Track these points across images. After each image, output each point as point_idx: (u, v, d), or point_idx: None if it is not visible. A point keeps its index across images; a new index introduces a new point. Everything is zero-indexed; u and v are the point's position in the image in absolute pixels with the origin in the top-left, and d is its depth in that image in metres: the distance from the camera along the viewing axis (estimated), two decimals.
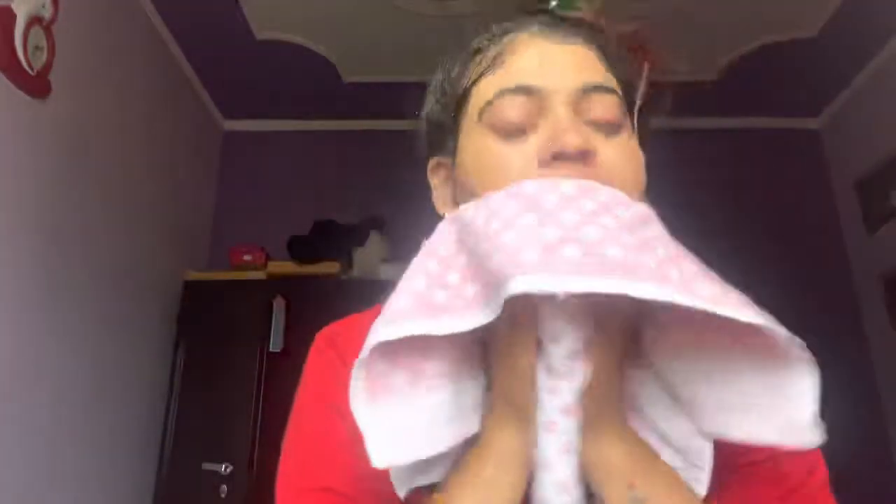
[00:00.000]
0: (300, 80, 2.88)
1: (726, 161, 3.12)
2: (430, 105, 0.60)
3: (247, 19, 2.50)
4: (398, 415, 0.43)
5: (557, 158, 0.46)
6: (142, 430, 2.30)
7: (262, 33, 2.59)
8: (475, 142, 0.51)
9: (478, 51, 0.55)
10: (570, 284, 0.36)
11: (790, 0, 2.42)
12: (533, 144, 0.48)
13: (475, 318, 0.40)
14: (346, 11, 2.48)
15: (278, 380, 2.33)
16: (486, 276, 0.40)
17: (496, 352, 0.46)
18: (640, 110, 0.55)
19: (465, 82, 0.54)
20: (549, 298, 0.37)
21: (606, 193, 0.42)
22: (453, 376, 0.45)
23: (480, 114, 0.51)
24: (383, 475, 0.47)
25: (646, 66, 0.56)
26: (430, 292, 0.43)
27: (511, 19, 0.56)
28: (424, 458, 0.44)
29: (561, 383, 0.42)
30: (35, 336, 1.73)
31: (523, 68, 0.51)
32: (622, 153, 0.49)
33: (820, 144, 3.16)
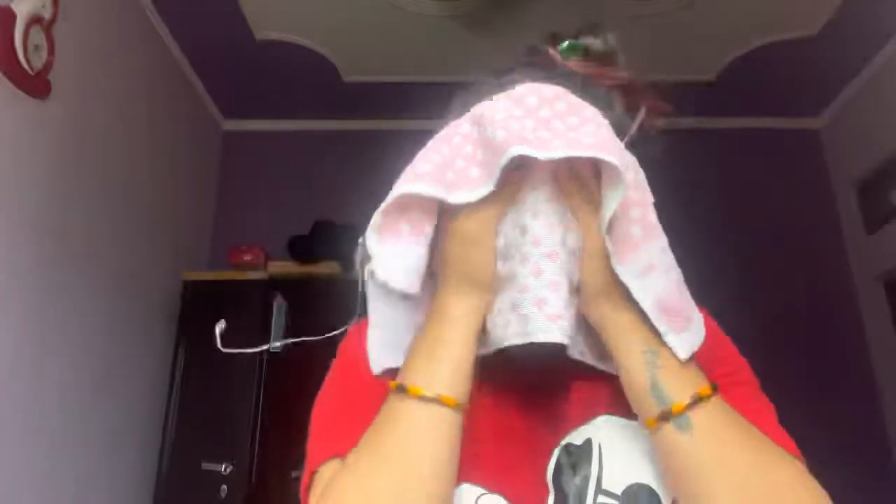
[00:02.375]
0: (300, 80, 2.88)
1: (726, 161, 3.12)
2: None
3: (247, 19, 2.50)
4: (398, 249, 0.55)
5: None
6: (142, 429, 2.31)
7: (262, 33, 2.59)
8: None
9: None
10: (556, 151, 0.48)
11: (790, 0, 2.42)
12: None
13: (477, 191, 0.52)
14: (346, 11, 2.48)
15: (278, 380, 2.33)
16: (488, 155, 0.52)
17: (461, 228, 0.55)
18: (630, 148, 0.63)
19: None
20: (531, 182, 0.52)
21: (574, 98, 0.55)
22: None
23: None
24: None
25: (635, 115, 0.65)
26: (442, 170, 0.54)
27: (508, 73, 0.65)
28: (409, 290, 0.55)
29: (544, 239, 0.52)
30: (36, 336, 1.73)
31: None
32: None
33: (820, 144, 3.16)
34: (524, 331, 0.51)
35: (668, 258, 0.55)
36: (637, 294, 0.52)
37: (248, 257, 2.59)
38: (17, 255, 1.65)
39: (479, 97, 0.65)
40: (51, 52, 1.75)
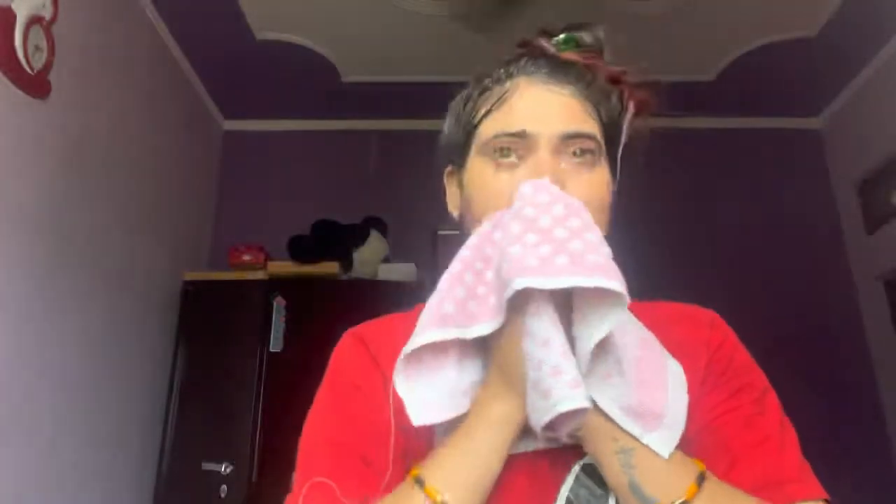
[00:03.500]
0: (300, 80, 2.88)
1: (726, 161, 3.12)
2: (448, 125, 0.73)
3: (247, 19, 2.50)
4: (426, 385, 0.57)
5: None
6: (142, 430, 2.31)
7: (262, 33, 2.59)
8: (478, 168, 0.66)
9: (486, 89, 0.68)
10: (560, 279, 0.50)
11: (790, 0, 2.42)
12: (520, 175, 0.62)
13: (493, 323, 0.55)
14: (346, 11, 2.48)
15: (278, 380, 2.33)
16: (499, 283, 0.54)
17: (496, 343, 0.58)
18: (623, 142, 0.68)
19: (476, 116, 0.68)
20: (532, 304, 0.53)
21: (586, 214, 0.56)
22: (461, 358, 0.60)
23: (484, 146, 0.66)
24: (384, 438, 0.60)
25: (629, 107, 0.68)
26: (464, 304, 0.57)
27: (518, 59, 0.68)
28: (450, 419, 0.57)
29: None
30: (35, 336, 1.73)
31: (519, 114, 0.64)
32: (588, 184, 0.62)
33: (820, 144, 3.16)
34: (549, 405, 0.51)
35: (616, 356, 0.56)
36: (601, 404, 0.55)
37: (248, 257, 2.59)
38: (17, 254, 1.65)
39: (473, 94, 0.70)
40: (51, 52, 1.75)
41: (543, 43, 0.69)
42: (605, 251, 0.53)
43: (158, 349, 2.42)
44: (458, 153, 0.70)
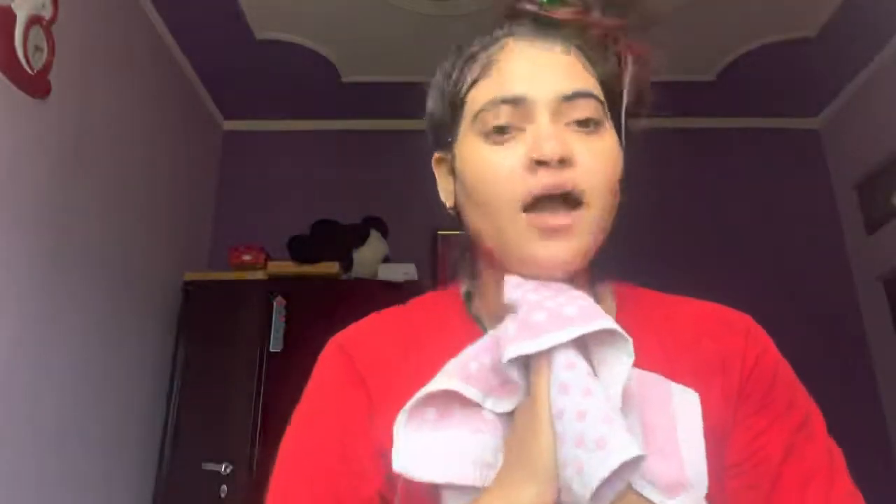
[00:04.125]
0: (300, 80, 2.88)
1: (726, 161, 3.12)
2: (432, 103, 0.66)
3: (247, 19, 2.50)
4: (425, 439, 0.53)
5: (540, 165, 0.55)
6: (142, 430, 2.31)
7: (262, 33, 2.59)
8: (469, 147, 0.59)
9: (472, 56, 0.62)
10: (543, 342, 0.50)
11: (790, 0, 2.42)
12: (519, 150, 0.56)
13: (514, 400, 0.54)
14: (345, 11, 2.48)
15: (278, 380, 2.33)
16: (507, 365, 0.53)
17: (516, 420, 0.54)
18: (624, 103, 0.61)
19: (462, 88, 0.61)
20: (562, 358, 0.51)
21: (574, 292, 0.55)
22: (472, 428, 0.55)
23: (474, 119, 0.59)
24: (365, 457, 0.57)
25: (628, 62, 0.61)
26: (488, 374, 0.55)
27: (502, 24, 0.63)
28: (439, 481, 0.53)
29: (570, 381, 0.51)
30: (35, 336, 1.73)
31: (510, 77, 0.58)
32: (597, 153, 0.57)
33: (820, 144, 3.16)
34: (604, 455, 0.46)
35: (630, 418, 0.53)
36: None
37: (248, 257, 2.59)
38: (17, 254, 1.65)
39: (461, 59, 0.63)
40: (51, 52, 1.74)
41: (527, 4, 0.62)
42: (601, 312, 0.52)
43: (158, 349, 2.42)
44: (447, 134, 0.63)
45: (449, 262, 3.00)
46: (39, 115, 1.74)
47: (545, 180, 0.54)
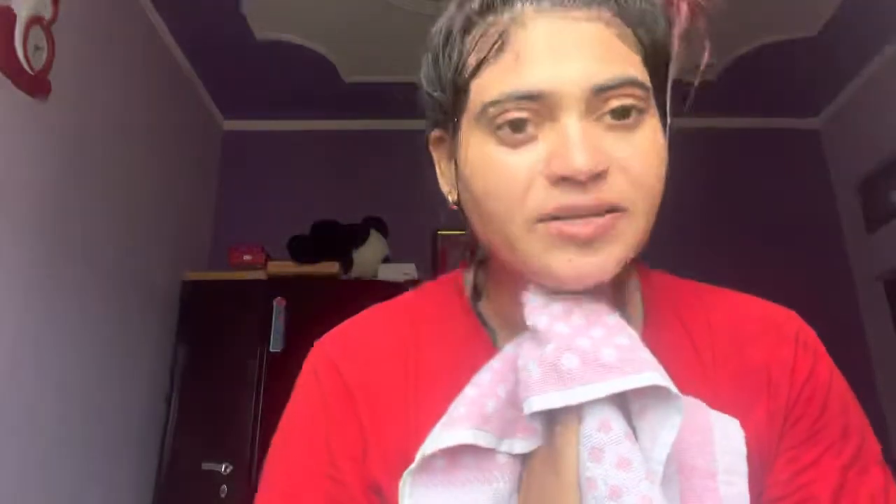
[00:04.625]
0: (300, 80, 2.88)
1: (726, 161, 3.12)
2: (426, 73, 0.53)
3: (247, 19, 2.50)
4: (434, 497, 0.47)
5: (566, 181, 0.43)
6: (142, 430, 2.31)
7: (262, 33, 2.59)
8: (477, 144, 0.47)
9: (472, 23, 0.48)
10: (575, 396, 0.43)
11: (790, 0, 2.42)
12: (539, 152, 0.45)
13: (533, 441, 0.47)
14: (345, 11, 2.48)
15: (278, 380, 2.33)
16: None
17: (532, 461, 0.48)
18: (670, 78, 0.50)
19: (466, 68, 0.48)
20: (594, 418, 0.44)
21: (610, 318, 0.47)
22: (486, 477, 0.48)
23: (481, 112, 0.46)
24: (354, 479, 0.51)
25: (682, 15, 0.48)
26: (504, 412, 0.48)
27: None
28: None
29: (605, 445, 0.44)
30: (36, 336, 1.73)
31: (529, 64, 0.44)
32: (640, 153, 0.45)
33: (820, 144, 3.16)
34: None
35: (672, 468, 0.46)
36: None
37: (248, 257, 2.59)
38: (17, 255, 1.65)
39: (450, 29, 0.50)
40: (51, 52, 1.74)
41: None
42: (645, 354, 0.44)
43: (158, 349, 2.42)
44: (446, 115, 0.51)
45: (449, 262, 2.99)
46: (39, 115, 1.74)
47: (573, 200, 0.43)
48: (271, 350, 2.39)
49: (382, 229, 2.74)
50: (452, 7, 0.51)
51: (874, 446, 0.51)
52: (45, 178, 1.76)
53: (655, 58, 0.48)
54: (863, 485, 0.48)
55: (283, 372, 2.34)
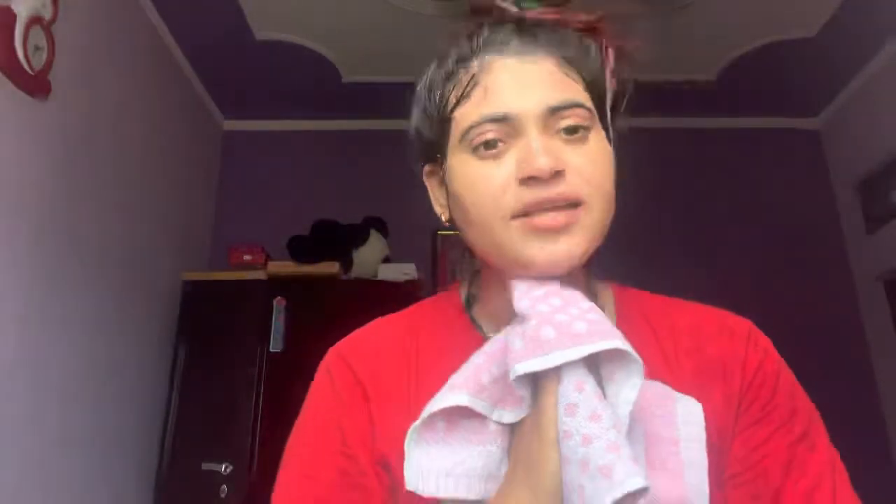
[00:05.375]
0: (300, 80, 2.88)
1: (726, 161, 3.12)
2: (417, 120, 0.66)
3: (247, 19, 2.50)
4: (434, 455, 0.54)
5: (533, 179, 0.54)
6: (142, 429, 2.31)
7: (262, 33, 2.59)
8: (461, 164, 0.59)
9: (451, 73, 0.61)
10: (552, 359, 0.50)
11: (790, 0, 2.42)
12: (510, 163, 0.56)
13: (520, 410, 0.54)
14: (345, 11, 2.48)
15: (278, 380, 2.33)
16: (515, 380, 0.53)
17: (520, 436, 0.55)
18: (609, 101, 0.61)
19: (446, 107, 0.61)
20: (572, 379, 0.51)
21: (584, 302, 0.54)
22: (479, 440, 0.55)
23: (462, 137, 0.58)
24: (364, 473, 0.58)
25: (610, 57, 0.61)
26: (494, 385, 0.54)
27: (478, 33, 0.61)
28: (447, 497, 0.53)
29: (580, 402, 0.51)
30: (35, 336, 1.73)
31: (496, 95, 0.57)
32: (589, 159, 0.57)
33: (820, 144, 3.16)
34: (612, 484, 0.46)
35: (635, 433, 0.53)
36: None
37: (248, 257, 2.59)
38: (17, 255, 1.65)
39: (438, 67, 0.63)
40: (51, 52, 1.74)
41: (499, 2, 0.61)
42: (611, 327, 0.52)
43: (158, 349, 2.42)
44: (435, 150, 0.63)
45: (449, 261, 3.00)
46: (39, 115, 1.74)
47: (540, 194, 0.54)
48: (271, 350, 2.39)
49: (382, 229, 2.74)
50: (434, 65, 0.64)
51: (821, 429, 0.59)
52: (45, 178, 1.77)
53: (595, 88, 0.60)
54: (810, 460, 0.57)
55: (283, 372, 2.35)
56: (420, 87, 0.65)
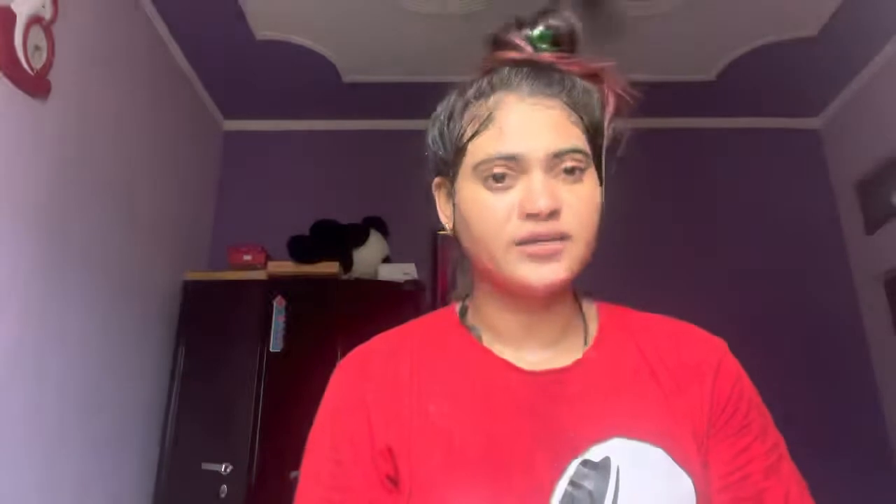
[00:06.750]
0: (300, 80, 2.88)
1: (726, 161, 3.12)
2: (433, 138, 0.73)
3: (247, 19, 2.50)
4: None
5: (533, 216, 0.62)
6: (142, 430, 2.31)
7: (262, 33, 2.59)
8: (471, 191, 0.66)
9: (468, 103, 0.68)
10: None
11: (790, 0, 2.42)
12: (515, 196, 0.63)
13: None
14: (346, 11, 2.48)
15: (278, 380, 2.33)
16: None
17: None
18: (604, 146, 0.69)
19: (463, 137, 0.68)
20: None
21: None
22: None
23: (474, 167, 0.65)
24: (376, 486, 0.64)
25: (610, 101, 0.69)
26: None
27: (497, 70, 0.68)
28: None
29: None
30: (36, 336, 1.73)
31: (508, 135, 0.64)
32: (581, 199, 0.64)
33: (820, 144, 3.16)
34: None
35: None
36: None
37: (248, 257, 2.59)
38: (17, 255, 1.65)
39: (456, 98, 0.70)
40: (51, 52, 1.74)
41: (517, 41, 0.69)
42: None
43: (158, 349, 2.42)
44: (447, 168, 0.71)
45: (449, 262, 3.00)
46: (39, 115, 1.74)
47: (537, 229, 0.62)
48: (271, 350, 2.38)
49: (382, 229, 2.74)
50: (454, 95, 0.71)
51: (783, 443, 0.68)
52: (45, 177, 1.77)
53: (593, 132, 0.67)
54: (782, 468, 0.66)
55: (283, 372, 2.35)
56: (440, 111, 0.72)
